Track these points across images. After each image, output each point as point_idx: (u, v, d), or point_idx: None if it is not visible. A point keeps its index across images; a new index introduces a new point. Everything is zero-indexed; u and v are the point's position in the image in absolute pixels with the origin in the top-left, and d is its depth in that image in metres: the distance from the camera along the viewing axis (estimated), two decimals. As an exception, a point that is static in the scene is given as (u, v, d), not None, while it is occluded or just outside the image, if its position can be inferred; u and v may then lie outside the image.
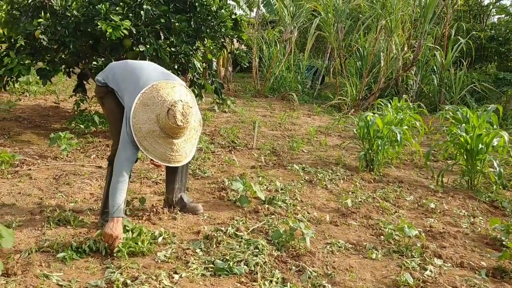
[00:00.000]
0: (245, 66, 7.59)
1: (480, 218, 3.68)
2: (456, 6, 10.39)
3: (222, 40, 5.97)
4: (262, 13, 13.75)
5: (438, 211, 3.77)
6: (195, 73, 5.66)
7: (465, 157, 4.48)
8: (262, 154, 5.28)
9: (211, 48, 5.64)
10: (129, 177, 2.82)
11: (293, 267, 2.59)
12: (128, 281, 2.29)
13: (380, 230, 3.22)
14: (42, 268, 2.40)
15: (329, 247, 2.89)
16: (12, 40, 5.13)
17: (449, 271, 2.69)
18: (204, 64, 5.88)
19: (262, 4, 13.19)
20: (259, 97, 10.58)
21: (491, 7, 14.39)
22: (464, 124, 4.72)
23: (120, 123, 2.87)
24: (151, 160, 3.22)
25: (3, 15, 5.08)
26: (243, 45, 12.35)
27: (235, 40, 6.56)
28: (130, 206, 3.29)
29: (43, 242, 2.68)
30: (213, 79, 6.19)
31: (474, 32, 11.36)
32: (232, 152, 5.24)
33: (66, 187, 3.67)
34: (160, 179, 4.01)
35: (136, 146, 2.74)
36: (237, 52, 7.21)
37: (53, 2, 4.80)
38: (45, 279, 2.30)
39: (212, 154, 5.08)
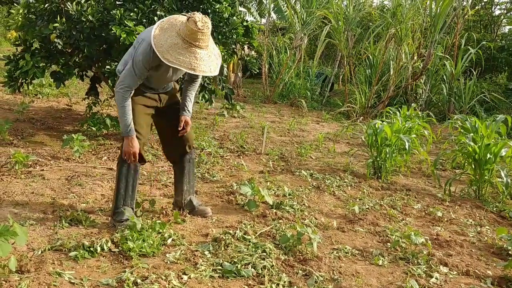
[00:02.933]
0: (255, 72, 7.65)
1: (487, 227, 3.69)
2: (466, 16, 10.39)
3: (233, 46, 6.04)
4: (273, 20, 13.85)
5: (445, 219, 3.78)
6: (206, 78, 5.73)
7: (473, 166, 4.49)
8: (270, 159, 5.32)
9: (222, 54, 5.71)
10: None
11: (300, 271, 2.63)
12: (139, 281, 2.34)
13: (387, 237, 3.25)
14: (54, 266, 2.46)
15: (335, 253, 2.93)
16: (28, 43, 5.24)
17: (455, 279, 2.71)
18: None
19: (273, 11, 13.29)
20: (268, 103, 10.64)
21: (502, 17, 14.36)
22: (472, 134, 4.73)
23: (134, 124, 2.95)
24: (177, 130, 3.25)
25: (20, 19, 5.19)
26: (253, 51, 12.43)
27: (245, 46, 6.63)
28: (140, 208, 3.35)
29: (56, 241, 2.75)
30: (224, 84, 6.25)
31: (484, 42, 11.31)
32: (241, 157, 5.29)
33: (78, 188, 3.74)
34: (170, 182, 4.07)
35: (139, 77, 2.87)
36: (248, 58, 7.28)
37: (68, 7, 4.91)
38: (57, 276, 2.36)
39: (221, 158, 5.14)
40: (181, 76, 3.40)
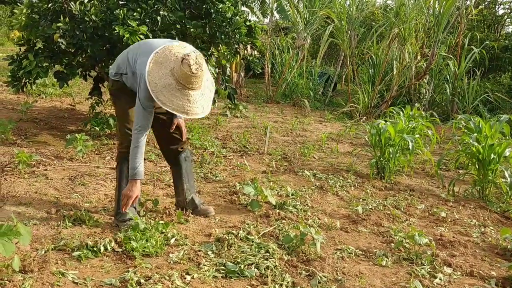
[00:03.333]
0: (258, 72, 7.64)
1: (491, 228, 3.67)
2: (470, 15, 10.37)
3: (236, 46, 6.04)
4: (276, 20, 13.83)
5: (449, 220, 3.77)
6: (208, 78, 5.73)
7: (477, 166, 4.48)
8: (273, 159, 5.32)
9: (225, 53, 5.71)
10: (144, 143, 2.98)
11: (303, 272, 2.62)
12: (142, 280, 2.34)
13: (391, 238, 3.24)
14: (58, 266, 2.46)
15: (339, 253, 2.92)
16: (31, 43, 5.24)
17: (459, 280, 2.70)
18: (217, 69, 5.95)
19: (276, 11, 13.27)
20: (271, 103, 10.63)
21: (505, 17, 14.32)
22: (476, 134, 4.71)
23: (129, 123, 3.01)
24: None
25: (23, 19, 5.19)
26: (255, 51, 12.42)
27: (248, 46, 6.63)
28: (144, 208, 3.35)
29: (59, 240, 2.75)
30: (227, 84, 6.25)
31: (488, 42, 11.30)
32: (244, 157, 5.29)
33: (82, 188, 3.75)
34: (172, 181, 4.06)
35: (150, 112, 2.87)
36: (251, 58, 7.27)
37: (72, 6, 4.91)
38: (61, 276, 2.36)
39: (223, 158, 5.13)
40: None
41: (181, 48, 2.89)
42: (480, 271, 2.80)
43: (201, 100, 2.81)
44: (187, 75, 2.69)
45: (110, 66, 5.05)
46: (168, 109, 2.75)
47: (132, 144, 2.92)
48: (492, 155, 4.32)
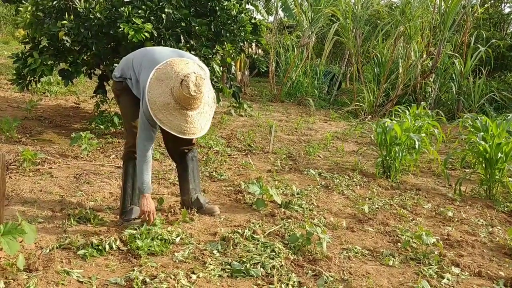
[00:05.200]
0: (263, 71, 7.62)
1: (499, 227, 3.64)
2: (476, 14, 10.29)
3: (241, 44, 6.02)
4: (280, 18, 13.79)
5: (456, 219, 3.74)
6: (213, 77, 5.72)
7: (484, 166, 4.43)
8: (278, 158, 5.29)
9: (230, 51, 5.69)
10: (152, 156, 3.00)
11: (310, 272, 2.60)
12: (147, 279, 2.32)
13: (397, 237, 3.21)
14: (63, 265, 2.45)
15: (345, 253, 2.89)
16: (36, 41, 5.24)
17: (467, 280, 2.67)
18: (222, 67, 5.94)
19: (281, 9, 13.23)
20: (276, 101, 10.60)
21: (511, 15, 14.21)
22: (483, 133, 4.67)
23: (134, 121, 3.00)
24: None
25: (28, 17, 5.19)
26: (260, 49, 12.38)
27: (253, 44, 6.61)
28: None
29: (64, 239, 2.74)
30: (231, 82, 6.23)
31: (493, 41, 11.20)
32: (249, 156, 5.27)
33: (87, 186, 3.74)
34: (178, 180, 4.05)
35: (154, 124, 2.85)
36: (255, 56, 7.24)
37: (77, 4, 4.91)
38: (65, 275, 2.35)
39: (228, 157, 5.12)
40: None
41: (184, 64, 2.83)
42: (488, 271, 2.77)
43: (200, 119, 2.79)
44: (185, 97, 2.67)
45: (114, 67, 5.07)
46: (165, 128, 2.74)
47: (139, 157, 2.91)
48: (499, 154, 4.28)
